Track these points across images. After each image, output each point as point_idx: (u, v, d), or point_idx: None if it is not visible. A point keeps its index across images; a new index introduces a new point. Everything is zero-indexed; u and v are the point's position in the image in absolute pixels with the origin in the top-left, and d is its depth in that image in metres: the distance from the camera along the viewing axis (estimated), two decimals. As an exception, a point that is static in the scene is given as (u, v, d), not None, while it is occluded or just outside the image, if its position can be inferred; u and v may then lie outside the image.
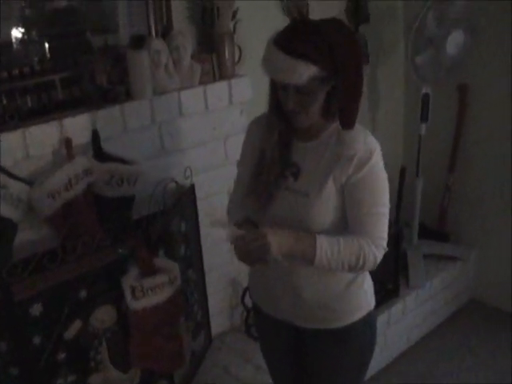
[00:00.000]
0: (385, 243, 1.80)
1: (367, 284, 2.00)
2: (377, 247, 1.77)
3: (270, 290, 2.01)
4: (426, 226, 4.02)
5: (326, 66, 1.63)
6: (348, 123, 1.76)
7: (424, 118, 3.55)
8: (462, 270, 3.93)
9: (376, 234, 1.78)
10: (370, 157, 1.74)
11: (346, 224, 1.82)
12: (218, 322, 3.18)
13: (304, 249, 1.73)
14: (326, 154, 1.80)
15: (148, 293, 2.31)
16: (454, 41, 3.24)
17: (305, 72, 1.62)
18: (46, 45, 2.39)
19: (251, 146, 1.99)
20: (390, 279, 3.47)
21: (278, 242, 1.68)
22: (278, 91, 1.77)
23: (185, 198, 2.66)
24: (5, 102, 2.21)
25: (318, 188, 1.79)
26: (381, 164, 1.79)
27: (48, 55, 2.38)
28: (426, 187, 3.82)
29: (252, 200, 1.91)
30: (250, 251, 1.71)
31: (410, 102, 3.97)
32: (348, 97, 1.72)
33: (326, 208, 1.80)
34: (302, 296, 1.92)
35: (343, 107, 1.74)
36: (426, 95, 3.47)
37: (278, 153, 1.86)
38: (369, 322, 2.01)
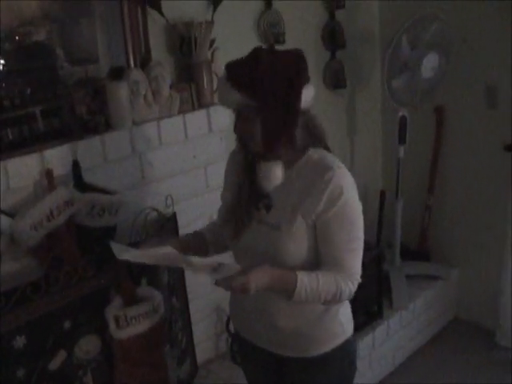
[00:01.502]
0: (359, 276, 1.81)
1: (342, 312, 1.98)
2: (352, 282, 1.79)
3: (248, 317, 2.02)
4: (407, 247, 4.05)
5: (249, 95, 1.66)
6: (264, 153, 1.76)
7: (402, 140, 3.58)
8: (444, 289, 3.96)
9: (351, 270, 1.79)
10: (341, 192, 1.72)
11: (318, 256, 1.83)
12: (204, 350, 3.17)
13: (284, 286, 1.74)
14: (296, 186, 1.79)
15: (132, 322, 2.31)
16: (429, 64, 3.29)
17: (230, 96, 1.71)
18: (25, 77, 2.41)
19: (230, 177, 2.02)
20: (374, 301, 3.49)
21: (257, 283, 1.68)
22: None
23: (167, 227, 2.66)
24: (-15, 134, 2.23)
25: (288, 222, 1.78)
26: (354, 197, 1.78)
27: (27, 88, 2.40)
28: (406, 208, 3.85)
29: (227, 230, 1.95)
30: (229, 290, 1.71)
31: (387, 125, 4.02)
32: (269, 129, 1.71)
33: (297, 242, 1.79)
34: (278, 324, 1.93)
35: (262, 136, 1.73)
36: (403, 118, 3.52)
37: (246, 181, 1.88)
38: (346, 349, 2.00)
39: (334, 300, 1.79)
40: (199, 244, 2.06)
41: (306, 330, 1.93)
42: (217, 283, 1.70)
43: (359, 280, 1.81)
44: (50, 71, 2.53)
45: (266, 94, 1.66)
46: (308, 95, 1.74)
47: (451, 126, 3.78)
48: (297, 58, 1.73)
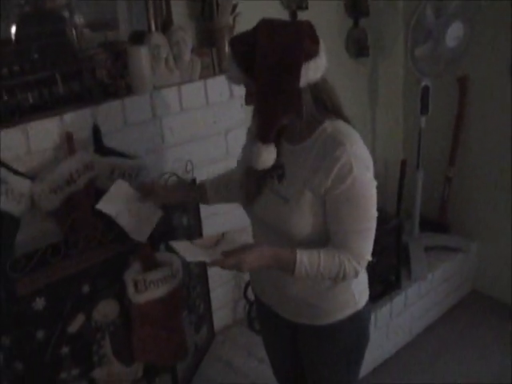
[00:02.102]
0: (369, 256, 1.78)
1: (355, 283, 1.94)
2: (358, 262, 1.75)
3: (264, 283, 2.05)
4: (426, 218, 4.02)
5: (247, 72, 1.65)
6: (259, 134, 1.74)
7: (424, 110, 3.55)
8: (463, 261, 3.94)
9: (359, 251, 1.75)
10: (351, 169, 1.66)
11: (327, 232, 1.80)
12: (221, 316, 3.19)
13: (283, 266, 1.74)
14: (308, 159, 1.75)
15: (150, 286, 2.32)
16: (453, 33, 3.24)
17: (232, 71, 1.70)
18: (46, 42, 2.40)
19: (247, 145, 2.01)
20: (392, 272, 3.48)
21: (251, 263, 1.69)
22: None
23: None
24: (6, 98, 2.22)
25: (297, 195, 1.76)
26: (366, 175, 1.71)
27: (48, 51, 2.39)
28: (426, 179, 3.83)
29: (242, 195, 1.95)
30: (224, 268, 1.73)
31: (409, 95, 3.97)
32: (264, 107, 1.69)
33: (304, 216, 1.76)
34: (286, 292, 1.94)
35: (258, 117, 1.73)
36: (426, 88, 3.47)
37: None
38: (356, 320, 1.99)
39: (338, 279, 1.77)
40: (197, 194, 2.20)
41: (315, 300, 1.93)
42: (211, 263, 1.72)
43: (367, 260, 1.78)
44: (70, 36, 2.51)
45: (262, 74, 1.61)
46: (316, 69, 1.66)
47: (474, 96, 3.72)
48: (299, 33, 1.63)
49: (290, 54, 1.61)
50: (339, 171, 1.67)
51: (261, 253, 1.72)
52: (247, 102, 1.76)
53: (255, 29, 1.65)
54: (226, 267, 1.70)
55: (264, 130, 1.71)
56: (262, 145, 1.72)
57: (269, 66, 1.60)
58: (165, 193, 2.20)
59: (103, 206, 2.12)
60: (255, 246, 1.75)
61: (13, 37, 2.33)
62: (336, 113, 1.78)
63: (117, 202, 2.16)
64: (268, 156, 1.74)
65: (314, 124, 1.76)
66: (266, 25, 1.65)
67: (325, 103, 1.75)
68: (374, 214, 1.76)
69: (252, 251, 1.71)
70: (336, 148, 1.68)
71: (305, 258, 1.71)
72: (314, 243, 1.78)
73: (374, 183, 1.75)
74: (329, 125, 1.75)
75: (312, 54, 1.64)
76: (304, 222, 1.77)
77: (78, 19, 2.52)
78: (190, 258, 1.77)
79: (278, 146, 1.82)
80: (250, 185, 1.90)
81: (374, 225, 1.76)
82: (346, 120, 1.80)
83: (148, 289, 2.31)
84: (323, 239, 1.79)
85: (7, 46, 2.30)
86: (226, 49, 2.71)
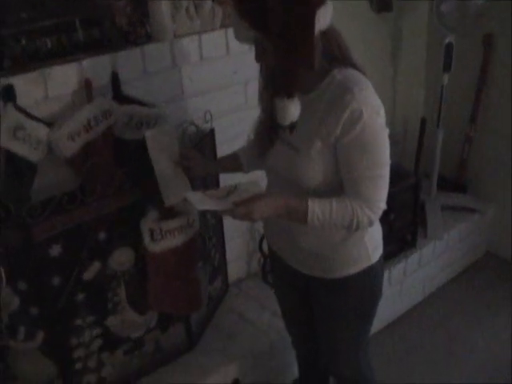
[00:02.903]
0: (382, 204, 1.77)
1: (369, 236, 1.95)
2: (371, 210, 1.74)
3: (277, 235, 2.06)
4: (444, 178, 3.99)
5: (260, 30, 1.59)
6: (279, 89, 1.71)
7: (447, 67, 3.47)
8: (479, 222, 3.91)
9: (371, 198, 1.74)
10: (361, 116, 1.64)
11: (340, 181, 1.79)
12: (236, 268, 3.20)
13: (295, 215, 1.75)
14: (318, 109, 1.73)
15: (166, 235, 2.31)
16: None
17: (241, 31, 1.66)
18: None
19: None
20: (408, 230, 3.46)
21: (262, 212, 1.71)
22: None
23: (205, 142, 2.64)
24: (24, 42, 2.19)
25: (307, 144, 1.75)
26: (377, 122, 1.68)
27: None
28: (446, 138, 3.78)
29: (255, 147, 1.96)
30: (235, 218, 1.74)
31: (432, 52, 3.90)
32: (282, 63, 1.66)
33: (315, 165, 1.76)
34: (299, 245, 1.94)
35: (276, 72, 1.71)
36: (450, 44, 3.39)
37: (269, 101, 1.82)
38: (369, 274, 1.99)
39: (351, 227, 1.76)
40: (234, 164, 2.17)
41: (328, 253, 1.94)
42: (221, 211, 1.77)
43: (381, 208, 1.77)
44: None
45: (277, 27, 1.56)
46: (325, 16, 1.63)
47: (499, 55, 3.64)
48: None
49: (302, 3, 1.56)
50: (349, 117, 1.65)
51: (272, 202, 1.73)
52: (258, 60, 1.74)
53: None
54: (236, 216, 1.72)
55: (286, 84, 1.69)
56: (287, 99, 1.70)
57: (283, 19, 1.56)
58: (203, 163, 2.20)
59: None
60: (266, 196, 1.76)
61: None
62: (345, 60, 1.75)
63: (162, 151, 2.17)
64: (295, 110, 1.72)
65: (323, 73, 1.74)
66: None
67: (333, 51, 1.73)
68: (387, 160, 1.74)
69: (263, 200, 1.72)
70: (345, 94, 1.66)
71: (316, 207, 1.71)
72: (327, 193, 1.77)
73: (386, 130, 1.73)
74: (337, 73, 1.72)
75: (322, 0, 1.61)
76: (315, 171, 1.77)
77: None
78: (200, 207, 1.80)
79: None
80: (263, 136, 1.91)
81: (386, 172, 1.75)
82: (356, 67, 1.76)
83: (164, 238, 2.31)
84: (336, 189, 1.79)
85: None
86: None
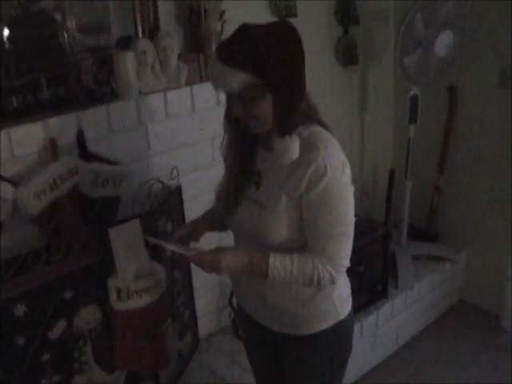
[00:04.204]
0: (346, 262, 1.77)
1: (337, 293, 1.93)
2: (334, 267, 1.74)
3: (244, 292, 2.04)
4: (415, 227, 4.03)
5: (256, 72, 1.58)
6: (280, 129, 1.69)
7: (413, 119, 3.54)
8: (451, 271, 3.93)
9: (335, 256, 1.74)
10: (325, 172, 1.65)
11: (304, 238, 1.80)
12: (206, 323, 3.18)
13: (256, 269, 1.75)
14: (283, 166, 1.73)
15: (133, 295, 2.30)
16: (443, 42, 3.23)
17: (234, 79, 1.59)
18: (32, 45, 2.38)
19: (226, 148, 1.97)
20: (379, 280, 3.47)
21: (228, 264, 1.73)
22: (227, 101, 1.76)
23: (171, 199, 2.65)
24: (-11, 101, 2.21)
25: (274, 201, 1.75)
26: (342, 179, 1.69)
27: (33, 55, 2.37)
28: (415, 188, 3.83)
29: (221, 207, 1.94)
30: (202, 267, 1.75)
31: (399, 104, 3.97)
32: (280, 104, 1.65)
33: (282, 221, 1.75)
34: (267, 301, 1.93)
35: (275, 113, 1.67)
36: (415, 96, 3.46)
37: (236, 160, 1.86)
38: (338, 329, 1.97)
39: (312, 283, 1.75)
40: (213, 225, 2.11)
41: (296, 309, 1.92)
42: (189, 256, 1.78)
43: (345, 266, 1.77)
44: (57, 40, 2.49)
45: (275, 70, 1.59)
46: None
47: (464, 106, 3.72)
48: (291, 29, 1.65)
49: (297, 47, 1.63)
50: (313, 174, 1.66)
51: (237, 255, 1.75)
52: (235, 113, 1.70)
53: (247, 31, 1.61)
54: (203, 263, 1.73)
55: (287, 122, 1.69)
56: (290, 137, 1.69)
57: (280, 59, 1.59)
58: (200, 230, 2.12)
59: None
60: (232, 249, 1.80)
61: (4, 39, 2.31)
62: (312, 117, 1.77)
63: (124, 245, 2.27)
64: (297, 147, 1.70)
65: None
66: (252, 25, 1.63)
67: (302, 107, 1.73)
68: (351, 218, 1.74)
69: (229, 251, 1.75)
70: (310, 151, 1.67)
71: (278, 262, 1.71)
72: (293, 251, 1.76)
73: (351, 188, 1.74)
74: (303, 129, 1.74)
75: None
76: (281, 227, 1.76)
77: (70, 23, 2.50)
78: (170, 247, 1.83)
79: (253, 154, 1.85)
80: (228, 195, 1.90)
81: (350, 230, 1.75)
82: (322, 124, 1.79)
83: (131, 298, 2.29)
84: (302, 247, 1.78)
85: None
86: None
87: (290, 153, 1.69)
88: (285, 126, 1.69)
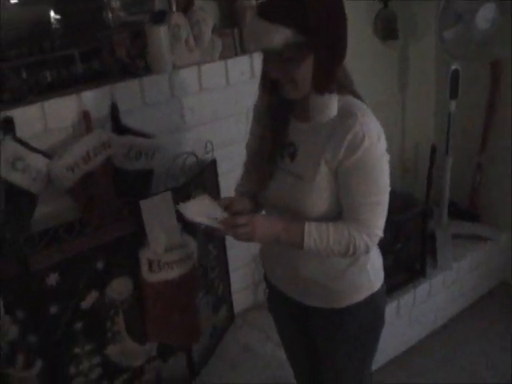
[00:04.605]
0: (379, 231, 1.75)
1: (371, 264, 1.92)
2: (369, 236, 1.73)
3: (275, 264, 2.01)
4: (456, 206, 3.95)
5: (300, 29, 1.54)
6: (318, 87, 1.66)
7: (453, 94, 3.46)
8: (492, 251, 3.85)
9: (369, 224, 1.73)
10: (363, 140, 1.64)
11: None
12: (241, 298, 3.19)
13: (292, 237, 1.72)
14: (321, 134, 1.72)
15: (164, 267, 2.33)
16: (485, 15, 3.13)
17: (278, 35, 1.55)
18: (67, 19, 2.40)
19: (255, 126, 1.98)
20: (417, 259, 3.42)
21: (262, 231, 1.69)
22: (264, 63, 1.71)
23: (206, 173, 2.66)
24: (24, 75, 2.24)
25: (311, 171, 1.73)
26: (378, 147, 1.68)
27: (68, 29, 2.39)
28: (457, 166, 3.75)
29: (253, 181, 1.91)
30: (235, 235, 1.70)
31: (440, 79, 3.88)
32: (322, 61, 1.62)
33: (319, 193, 1.74)
34: (300, 274, 1.90)
35: (316, 71, 1.63)
36: (456, 71, 3.38)
37: (269, 129, 1.82)
38: (371, 304, 1.96)
39: (348, 253, 1.74)
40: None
41: (329, 282, 1.90)
42: (222, 231, 1.71)
43: (379, 235, 1.75)
44: (94, 15, 2.52)
45: (319, 27, 1.56)
46: None
47: (507, 82, 3.61)
48: None
49: (339, 8, 1.61)
50: (351, 141, 1.65)
51: (270, 221, 1.73)
52: (273, 74, 1.68)
53: None
54: (236, 232, 1.68)
55: (327, 80, 1.66)
56: (329, 95, 1.67)
57: (325, 17, 1.57)
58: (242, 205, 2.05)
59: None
60: (266, 216, 1.77)
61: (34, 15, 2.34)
62: (346, 87, 1.75)
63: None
64: (335, 104, 1.69)
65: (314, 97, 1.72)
66: None
67: (339, 77, 1.71)
68: (386, 188, 1.73)
69: (262, 217, 1.72)
70: (348, 118, 1.66)
71: (314, 230, 1.70)
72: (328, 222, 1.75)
73: (387, 156, 1.72)
74: (339, 98, 1.71)
75: None
76: (320, 198, 1.75)
77: (115, 2, 2.53)
78: (195, 219, 1.73)
79: (287, 125, 1.82)
80: (261, 168, 1.87)
81: (385, 199, 1.74)
82: (355, 95, 1.77)
83: (162, 269, 2.33)
84: (336, 218, 1.77)
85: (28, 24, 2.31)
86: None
87: (329, 109, 1.67)
88: (324, 84, 1.66)
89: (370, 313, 1.99)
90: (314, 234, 1.70)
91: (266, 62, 1.71)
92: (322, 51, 1.61)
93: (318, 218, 1.75)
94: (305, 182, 1.75)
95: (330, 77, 1.67)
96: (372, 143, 1.66)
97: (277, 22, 1.55)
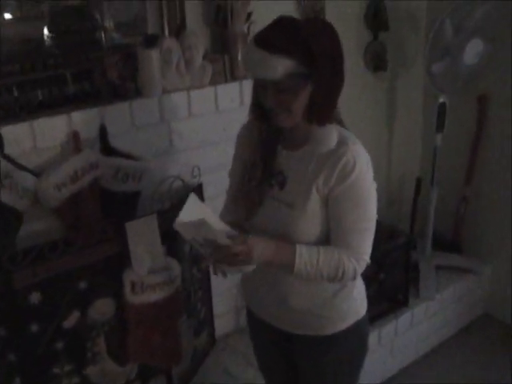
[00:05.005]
0: (367, 257, 1.79)
1: (357, 291, 1.96)
2: (357, 261, 1.76)
3: (259, 293, 2.00)
4: (440, 237, 3.97)
5: (302, 60, 1.58)
6: (320, 119, 1.70)
7: (440, 127, 3.50)
8: (476, 283, 3.87)
9: (358, 249, 1.76)
10: (354, 167, 1.68)
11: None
12: (223, 323, 3.19)
13: (284, 258, 1.73)
14: (311, 163, 1.75)
15: (147, 289, 2.35)
16: (473, 50, 3.19)
17: (280, 66, 1.57)
18: (60, 40, 2.43)
19: (240, 153, 1.99)
20: (400, 289, 3.44)
21: (259, 250, 1.68)
22: (258, 91, 1.73)
23: (192, 197, 2.67)
24: (16, 94, 2.26)
25: (302, 199, 1.75)
26: (367, 175, 1.73)
27: (61, 50, 2.42)
28: (442, 198, 3.80)
29: (240, 210, 1.91)
30: (233, 257, 1.66)
31: (428, 112, 3.94)
32: (323, 93, 1.66)
33: (310, 220, 1.76)
34: (289, 303, 1.91)
35: (316, 103, 1.67)
36: (443, 105, 3.43)
37: (259, 157, 1.84)
38: (358, 329, 1.99)
39: (337, 277, 1.76)
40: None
41: (318, 310, 1.92)
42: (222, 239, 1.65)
43: (367, 261, 1.79)
44: (87, 35, 2.54)
45: (320, 58, 1.59)
46: None
47: (494, 116, 3.66)
48: (328, 24, 1.68)
49: (336, 39, 1.64)
50: (342, 169, 1.69)
51: (266, 241, 1.72)
52: (269, 103, 1.69)
53: (288, 20, 1.64)
54: (233, 252, 1.64)
55: (329, 110, 1.72)
56: (330, 125, 1.73)
57: (325, 48, 1.60)
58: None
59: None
60: (260, 237, 1.73)
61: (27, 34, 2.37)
62: (336, 116, 1.79)
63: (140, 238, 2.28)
64: (335, 135, 1.73)
65: (313, 128, 1.76)
66: (290, 17, 1.66)
67: None
68: (374, 214, 1.78)
69: (260, 240, 1.71)
70: (339, 147, 1.70)
71: (304, 252, 1.71)
72: None
73: (375, 184, 1.77)
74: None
75: None
76: (310, 225, 1.77)
77: (108, 23, 2.56)
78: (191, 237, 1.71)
79: (275, 154, 1.84)
80: (249, 196, 1.87)
81: (373, 226, 1.78)
82: (343, 125, 1.81)
83: (145, 292, 2.34)
84: (325, 244, 1.79)
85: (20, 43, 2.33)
86: (239, 56, 2.72)
87: (330, 140, 1.72)
88: (326, 115, 1.71)
89: (356, 339, 2.02)
90: (304, 256, 1.71)
91: (260, 90, 1.72)
92: (324, 81, 1.64)
93: (307, 244, 1.77)
94: (295, 209, 1.77)
95: (332, 107, 1.72)
96: (362, 171, 1.70)
97: (279, 52, 1.57)
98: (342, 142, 1.72)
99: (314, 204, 1.75)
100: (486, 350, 3.70)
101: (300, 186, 1.77)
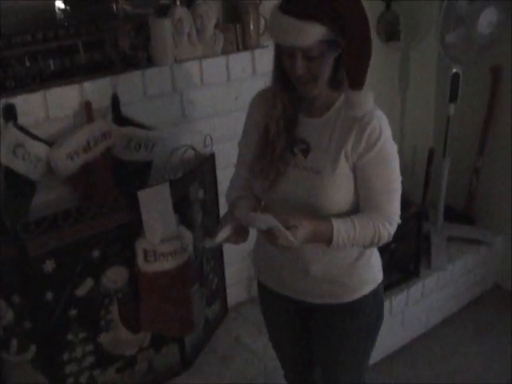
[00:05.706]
0: (398, 217, 1.80)
1: (374, 258, 1.98)
2: (391, 224, 1.78)
3: (276, 266, 1.99)
4: (452, 209, 3.97)
5: (333, 26, 1.55)
6: (356, 83, 1.67)
7: (453, 98, 3.47)
8: (487, 254, 3.87)
9: (390, 211, 1.78)
10: (380, 134, 1.70)
11: (358, 201, 1.81)
12: (236, 292, 3.21)
13: (321, 237, 1.72)
14: (336, 129, 1.75)
15: (160, 258, 2.35)
16: (487, 19, 3.15)
17: (312, 33, 1.56)
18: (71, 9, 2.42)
19: (254, 123, 1.95)
20: (411, 259, 3.45)
21: (305, 233, 1.67)
22: (282, 59, 1.71)
23: (204, 166, 2.68)
24: (28, 64, 2.26)
25: (331, 166, 1.74)
26: (390, 138, 1.75)
27: (72, 19, 2.41)
28: (454, 169, 3.78)
29: (259, 180, 1.87)
30: (278, 242, 1.65)
31: (441, 82, 3.90)
32: (356, 57, 1.63)
33: (337, 187, 1.76)
34: (310, 272, 1.91)
35: (351, 68, 1.64)
36: (456, 75, 3.39)
37: (282, 125, 1.81)
38: (376, 296, 2.00)
39: (373, 244, 1.79)
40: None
41: (339, 277, 1.92)
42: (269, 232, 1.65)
43: (398, 221, 1.80)
44: (99, 5, 2.53)
45: (351, 24, 1.57)
46: None
47: (507, 87, 3.63)
48: None
49: (361, 3, 1.62)
50: (370, 136, 1.70)
51: (306, 223, 1.69)
52: (297, 71, 1.66)
53: None
54: (282, 238, 1.63)
55: (362, 76, 1.67)
56: (366, 90, 1.70)
57: (355, 14, 1.58)
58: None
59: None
60: (301, 219, 1.70)
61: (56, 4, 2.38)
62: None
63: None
64: (371, 98, 1.72)
65: (333, 96, 1.77)
66: None
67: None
68: (399, 174, 1.80)
69: (303, 224, 1.67)
70: (363, 113, 1.71)
71: (341, 227, 1.72)
72: (343, 216, 1.77)
73: (396, 146, 1.79)
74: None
75: None
76: (337, 193, 1.77)
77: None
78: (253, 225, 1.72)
79: (296, 122, 1.83)
80: (268, 166, 1.84)
81: (400, 185, 1.80)
82: None
83: (157, 260, 2.35)
84: (353, 212, 1.79)
85: (31, 13, 2.33)
86: (251, 25, 2.71)
87: (366, 104, 1.71)
88: (361, 80, 1.68)
89: (373, 307, 2.03)
90: (342, 233, 1.72)
91: (286, 58, 1.70)
92: (356, 46, 1.62)
93: (333, 212, 1.77)
94: (323, 176, 1.76)
95: (366, 72, 1.68)
96: (387, 135, 1.73)
97: (310, 19, 1.56)
98: (366, 107, 1.71)
99: (343, 170, 1.75)
100: (497, 322, 3.71)
101: (327, 153, 1.76)
